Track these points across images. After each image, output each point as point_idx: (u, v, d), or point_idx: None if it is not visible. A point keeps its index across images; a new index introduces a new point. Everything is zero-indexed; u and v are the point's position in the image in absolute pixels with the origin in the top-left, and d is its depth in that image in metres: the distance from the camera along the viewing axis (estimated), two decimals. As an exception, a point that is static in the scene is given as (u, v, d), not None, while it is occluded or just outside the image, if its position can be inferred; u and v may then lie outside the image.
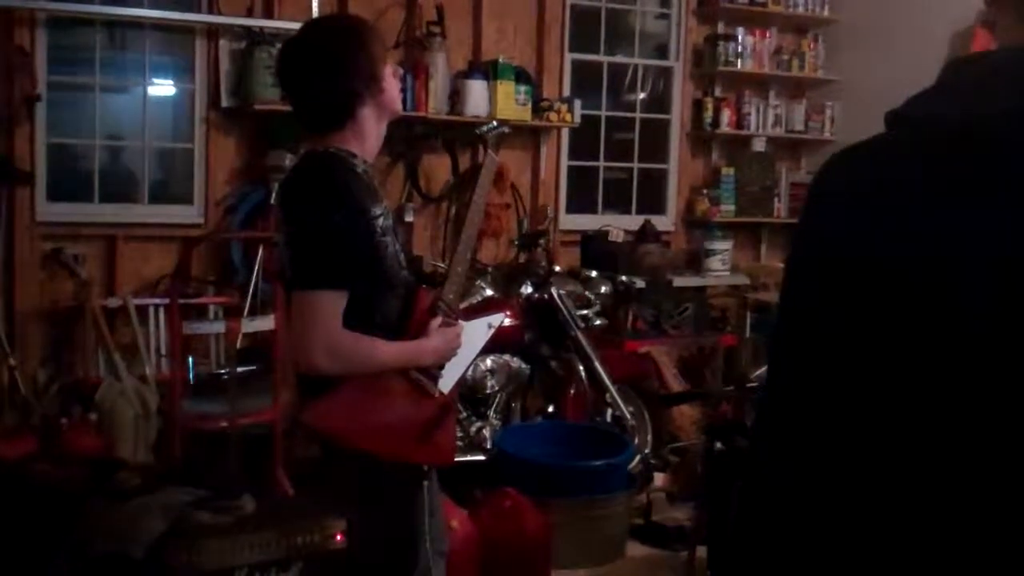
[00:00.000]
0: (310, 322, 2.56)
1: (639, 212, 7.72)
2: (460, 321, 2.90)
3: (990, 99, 1.15)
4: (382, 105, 2.76)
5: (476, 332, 2.98)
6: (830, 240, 1.22)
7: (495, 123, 3.25)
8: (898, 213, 1.15)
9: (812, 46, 7.95)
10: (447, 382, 2.84)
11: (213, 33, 6.11)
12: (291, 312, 2.62)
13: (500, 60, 6.70)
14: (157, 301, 5.83)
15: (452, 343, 2.83)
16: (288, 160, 5.89)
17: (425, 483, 2.81)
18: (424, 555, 2.80)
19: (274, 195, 5.88)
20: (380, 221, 2.66)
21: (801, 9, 7.87)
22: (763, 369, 4.69)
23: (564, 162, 7.43)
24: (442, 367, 2.82)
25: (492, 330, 3.09)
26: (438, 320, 2.79)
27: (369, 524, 2.78)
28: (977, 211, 1.10)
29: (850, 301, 1.17)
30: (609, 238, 7.02)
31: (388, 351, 2.69)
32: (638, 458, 5.58)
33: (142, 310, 5.78)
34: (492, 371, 5.55)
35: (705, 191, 7.77)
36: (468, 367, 3.00)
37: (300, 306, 2.59)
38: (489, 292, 5.72)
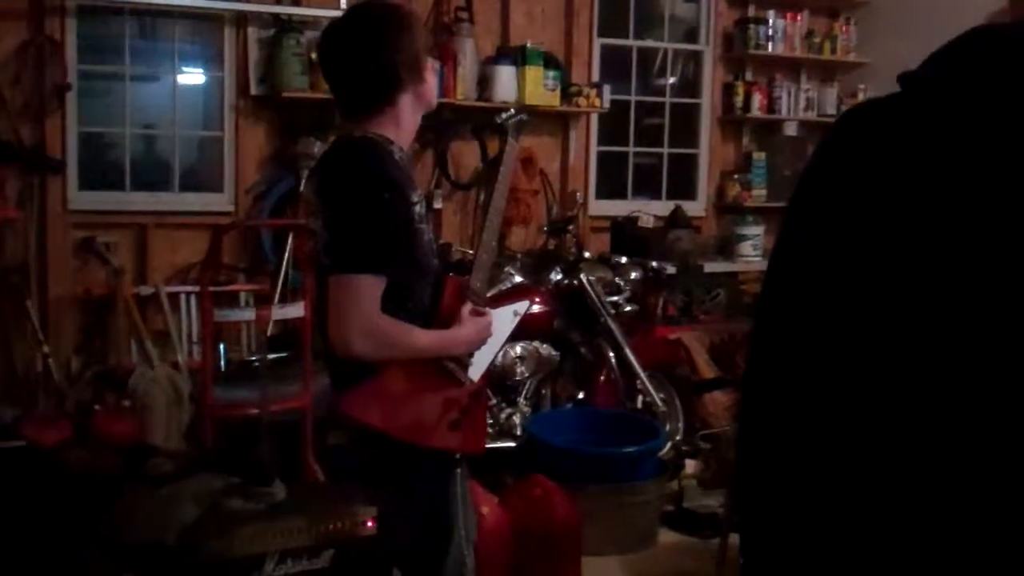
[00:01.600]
0: (349, 306, 2.56)
1: (669, 197, 7.68)
2: (490, 309, 2.89)
3: (956, 67, 1.18)
4: (420, 95, 2.76)
5: (502, 320, 2.97)
6: (827, 192, 1.27)
7: (513, 111, 3.24)
8: (887, 173, 1.19)
9: (844, 29, 7.88)
10: (476, 370, 2.84)
11: (242, 21, 6.12)
12: (328, 297, 2.61)
13: (528, 45, 6.68)
14: (188, 289, 5.86)
15: (484, 331, 2.82)
16: (317, 147, 5.90)
17: (457, 471, 2.81)
18: (457, 543, 2.81)
19: (304, 182, 5.96)
20: (416, 208, 2.66)
21: (833, -9, 7.82)
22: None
23: (593, 148, 7.41)
24: (471, 355, 2.82)
25: (518, 317, 3.08)
26: (468, 307, 2.79)
27: (402, 512, 2.79)
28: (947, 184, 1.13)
29: (838, 254, 1.22)
30: (639, 224, 6.99)
31: (424, 338, 2.69)
32: (669, 445, 5.57)
33: (173, 298, 5.82)
34: (522, 358, 5.54)
35: (736, 176, 7.73)
36: (496, 355, 2.99)
37: (338, 290, 2.58)
38: (518, 279, 5.71)
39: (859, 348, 1.19)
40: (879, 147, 1.22)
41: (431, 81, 2.80)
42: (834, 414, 1.21)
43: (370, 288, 2.56)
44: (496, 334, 2.92)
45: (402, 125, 2.74)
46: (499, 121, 3.18)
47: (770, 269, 1.34)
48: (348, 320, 2.56)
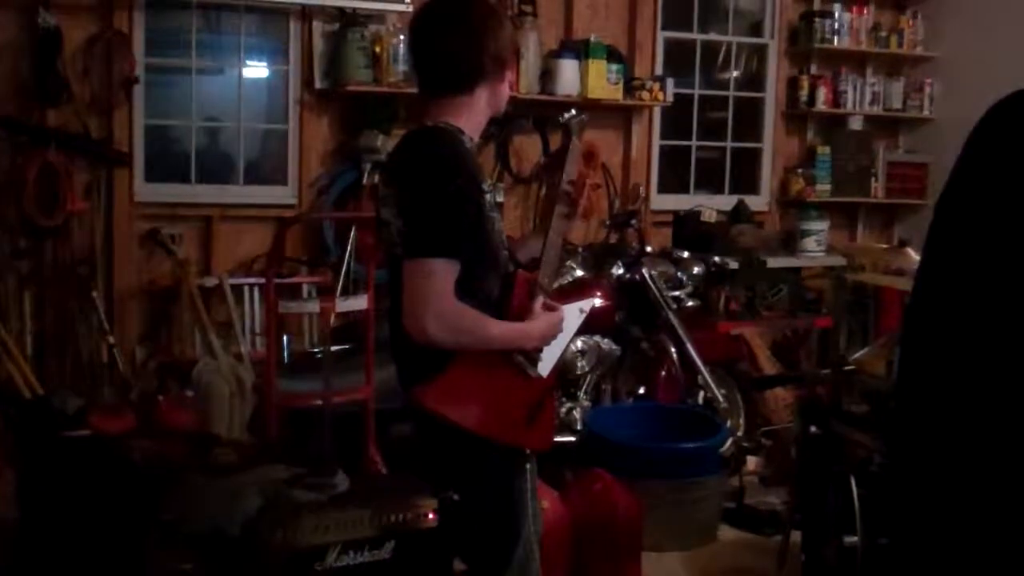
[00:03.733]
0: (423, 289, 2.57)
1: (732, 192, 7.63)
2: (562, 306, 2.90)
3: None
4: (495, 94, 2.81)
5: (569, 317, 2.98)
6: (988, 180, 1.32)
7: (575, 111, 3.24)
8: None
9: (911, 23, 7.78)
10: (545, 366, 2.84)
11: (307, 14, 6.15)
12: (402, 284, 2.63)
13: (592, 39, 6.66)
14: (252, 281, 5.91)
15: (555, 326, 2.83)
16: (380, 141, 5.94)
17: (527, 466, 2.83)
18: (525, 539, 2.82)
19: (367, 174, 5.99)
20: (488, 196, 2.70)
21: (900, -16, 7.72)
22: (861, 351, 4.64)
23: (656, 141, 7.36)
24: (540, 351, 2.82)
25: (583, 315, 3.08)
26: (540, 302, 2.80)
27: (473, 505, 2.81)
28: None
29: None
30: (702, 218, 6.94)
31: (498, 328, 2.70)
32: (730, 441, 5.52)
33: (237, 289, 5.86)
34: (583, 352, 5.52)
35: (800, 170, 7.66)
36: (563, 352, 2.98)
37: (413, 273, 2.60)
38: (580, 273, 5.70)
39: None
40: None
41: (506, 88, 2.85)
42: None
43: (444, 272, 2.58)
44: (565, 331, 2.92)
45: (474, 117, 2.78)
46: (562, 121, 3.19)
47: (929, 255, 1.37)
48: (423, 303, 2.57)
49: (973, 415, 1.30)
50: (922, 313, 1.40)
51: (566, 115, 3.19)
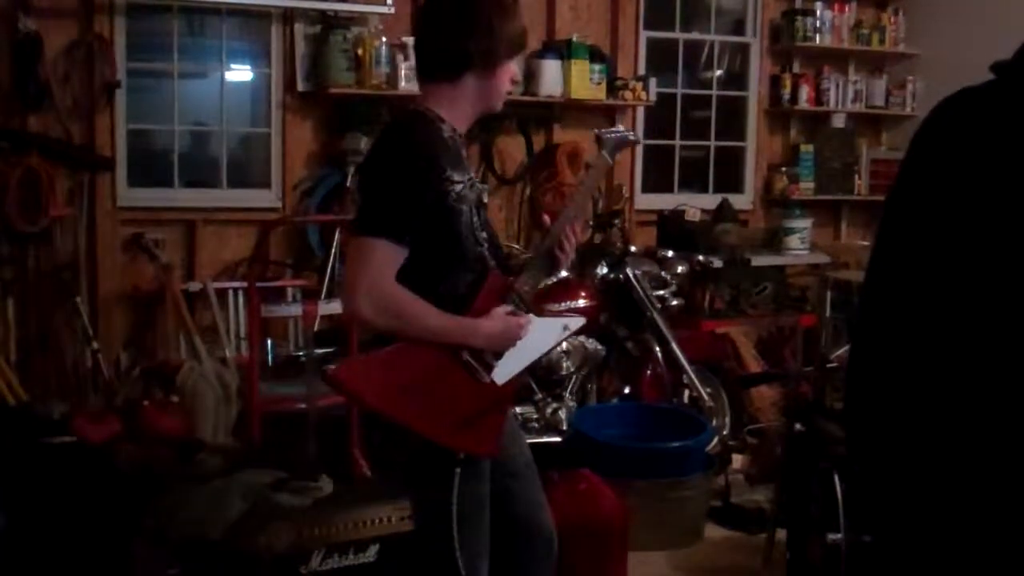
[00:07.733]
0: (360, 266, 2.53)
1: (716, 191, 7.65)
2: (530, 314, 2.77)
3: None
4: (485, 88, 2.74)
5: (549, 330, 2.88)
6: (932, 177, 1.35)
7: (622, 128, 3.10)
8: (990, 158, 1.25)
9: (893, 20, 7.80)
10: (502, 373, 2.71)
11: (289, 18, 6.15)
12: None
13: (574, 39, 6.67)
14: (236, 284, 5.90)
15: (512, 332, 2.69)
16: (363, 143, 5.93)
17: (456, 470, 2.63)
18: (453, 552, 2.64)
19: (350, 177, 5.99)
20: (458, 188, 2.63)
21: (881, -18, 7.74)
22: (844, 349, 4.64)
23: (639, 141, 7.36)
24: (499, 356, 2.70)
25: (567, 332, 2.96)
26: (507, 307, 2.70)
27: (415, 504, 2.76)
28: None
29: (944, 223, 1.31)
30: (686, 217, 6.95)
31: (437, 319, 2.59)
32: (716, 440, 5.53)
33: (221, 293, 5.86)
34: (568, 352, 5.52)
35: (784, 169, 7.67)
36: (532, 363, 2.84)
37: (353, 250, 2.58)
38: (564, 273, 5.69)
39: (966, 323, 1.26)
40: (981, 133, 1.25)
41: (502, 81, 2.77)
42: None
43: (384, 253, 2.53)
44: (538, 342, 2.82)
45: (460, 106, 2.73)
46: (598, 134, 3.05)
47: (876, 257, 1.41)
48: (355, 280, 2.53)
49: (926, 409, 1.32)
50: (872, 311, 1.42)
51: (605, 131, 2.99)
